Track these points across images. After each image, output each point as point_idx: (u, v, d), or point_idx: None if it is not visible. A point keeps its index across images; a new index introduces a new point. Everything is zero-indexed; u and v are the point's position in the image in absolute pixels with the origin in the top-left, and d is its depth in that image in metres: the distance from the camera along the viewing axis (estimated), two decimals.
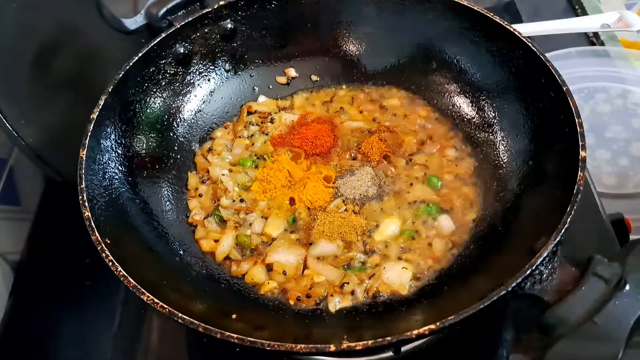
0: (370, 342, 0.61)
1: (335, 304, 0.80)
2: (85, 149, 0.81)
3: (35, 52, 0.96)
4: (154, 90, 0.97)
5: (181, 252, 0.87)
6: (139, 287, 0.67)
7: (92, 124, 0.83)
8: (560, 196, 0.71)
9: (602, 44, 1.35)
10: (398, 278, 0.81)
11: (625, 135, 1.19)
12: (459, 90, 1.01)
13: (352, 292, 0.81)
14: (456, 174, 0.94)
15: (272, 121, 1.04)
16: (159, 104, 0.98)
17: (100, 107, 0.85)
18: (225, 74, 1.06)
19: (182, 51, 0.99)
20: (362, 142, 0.98)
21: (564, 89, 0.80)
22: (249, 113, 1.06)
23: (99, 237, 0.72)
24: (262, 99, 1.08)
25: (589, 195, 0.98)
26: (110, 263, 0.70)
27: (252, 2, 1.02)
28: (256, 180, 0.95)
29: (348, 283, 0.82)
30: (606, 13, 1.25)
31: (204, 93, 1.04)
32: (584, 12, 1.42)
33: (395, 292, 0.81)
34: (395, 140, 0.99)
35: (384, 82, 1.07)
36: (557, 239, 0.65)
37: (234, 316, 0.74)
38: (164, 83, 0.99)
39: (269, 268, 0.85)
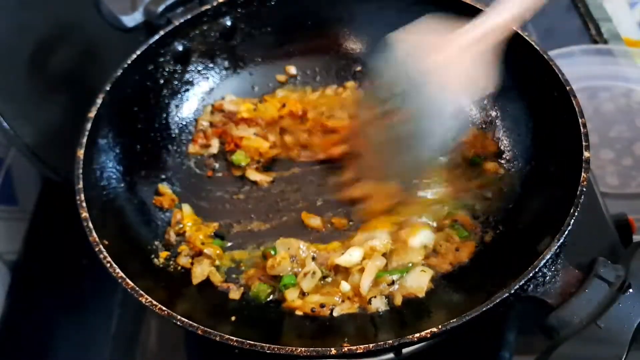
0: (371, 345, 0.61)
1: (342, 309, 0.77)
2: (83, 149, 0.80)
3: (32, 50, 0.95)
4: (152, 88, 0.96)
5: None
6: (137, 288, 0.67)
7: (90, 123, 0.82)
8: (564, 197, 0.70)
9: (606, 42, 1.34)
10: (416, 281, 0.78)
11: (629, 134, 1.17)
12: None
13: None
14: None
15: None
16: (157, 102, 0.97)
17: (98, 105, 0.84)
18: (225, 72, 1.05)
19: (180, 49, 0.98)
20: None
21: (567, 88, 0.78)
22: None
23: (97, 238, 0.71)
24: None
25: (592, 195, 0.97)
26: (108, 264, 0.69)
27: None
28: None
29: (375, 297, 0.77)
30: None
31: (203, 91, 1.03)
32: (587, 10, 1.41)
33: (412, 294, 0.77)
34: None
35: None
36: (561, 241, 0.64)
37: (233, 318, 0.74)
38: (162, 81, 0.98)
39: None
